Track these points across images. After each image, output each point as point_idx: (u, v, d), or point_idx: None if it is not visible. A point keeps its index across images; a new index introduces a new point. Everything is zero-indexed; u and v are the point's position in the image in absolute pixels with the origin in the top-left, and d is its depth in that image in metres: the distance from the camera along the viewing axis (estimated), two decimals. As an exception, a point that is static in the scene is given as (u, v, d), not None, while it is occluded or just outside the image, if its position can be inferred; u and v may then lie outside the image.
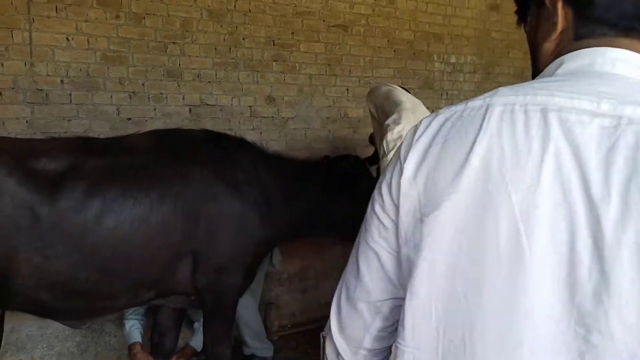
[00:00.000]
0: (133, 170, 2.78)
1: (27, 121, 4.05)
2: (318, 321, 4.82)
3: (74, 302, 2.74)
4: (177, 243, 2.85)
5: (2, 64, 3.95)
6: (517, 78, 6.54)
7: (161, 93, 4.57)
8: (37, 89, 4.10)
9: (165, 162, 2.90)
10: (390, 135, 2.84)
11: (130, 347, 3.50)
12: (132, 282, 2.81)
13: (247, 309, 3.97)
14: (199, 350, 3.79)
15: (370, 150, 5.66)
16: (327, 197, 3.45)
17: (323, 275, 4.96)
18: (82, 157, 2.71)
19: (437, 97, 6.33)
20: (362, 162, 3.72)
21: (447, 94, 6.35)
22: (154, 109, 4.53)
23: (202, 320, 3.38)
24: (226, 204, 3.00)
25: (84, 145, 2.79)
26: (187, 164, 2.94)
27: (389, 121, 2.89)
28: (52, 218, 2.54)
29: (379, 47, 5.56)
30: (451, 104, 0.97)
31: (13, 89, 4.01)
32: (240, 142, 3.32)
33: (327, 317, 1.17)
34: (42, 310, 2.79)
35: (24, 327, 3.53)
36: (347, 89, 5.51)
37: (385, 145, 2.89)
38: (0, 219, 2.46)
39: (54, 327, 3.60)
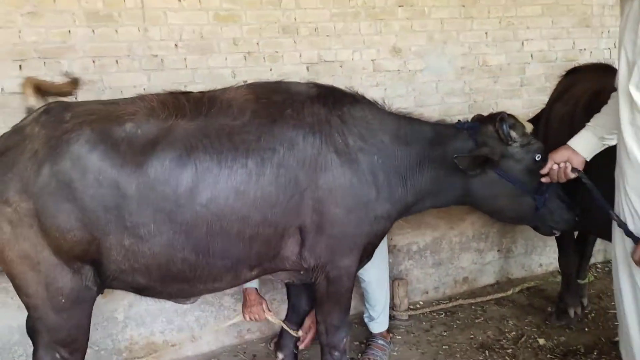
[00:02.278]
0: (227, 135, 2.44)
1: (144, 89, 3.96)
2: (455, 299, 4.31)
3: (173, 285, 2.51)
4: (280, 219, 2.51)
5: (116, 31, 3.88)
6: None
7: (276, 52, 4.29)
8: (152, 54, 4.01)
9: (264, 124, 2.52)
10: None
11: (244, 293, 3.26)
12: (232, 262, 2.53)
13: (375, 274, 3.53)
14: None
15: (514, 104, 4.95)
16: (457, 172, 2.77)
17: (459, 248, 4.41)
18: (170, 119, 2.41)
19: (597, 36, 5.36)
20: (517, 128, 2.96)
21: (608, 31, 5.34)
22: (270, 69, 4.28)
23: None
24: (336, 174, 2.56)
25: (173, 105, 2.46)
26: (289, 127, 2.54)
27: None
28: (141, 194, 2.30)
29: (524, -21, 4.75)
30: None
31: (128, 56, 3.94)
32: (354, 99, 2.80)
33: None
34: (142, 292, 2.59)
35: (143, 301, 3.47)
36: (486, 33, 4.85)
37: None
38: (84, 200, 2.26)
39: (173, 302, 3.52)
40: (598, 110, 2.68)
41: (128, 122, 2.37)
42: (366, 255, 2.84)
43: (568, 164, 2.67)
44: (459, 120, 2.94)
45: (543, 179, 2.76)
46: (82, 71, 3.79)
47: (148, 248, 2.35)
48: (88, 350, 3.28)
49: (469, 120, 2.97)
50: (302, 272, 2.78)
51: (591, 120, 2.68)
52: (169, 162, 2.33)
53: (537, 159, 2.79)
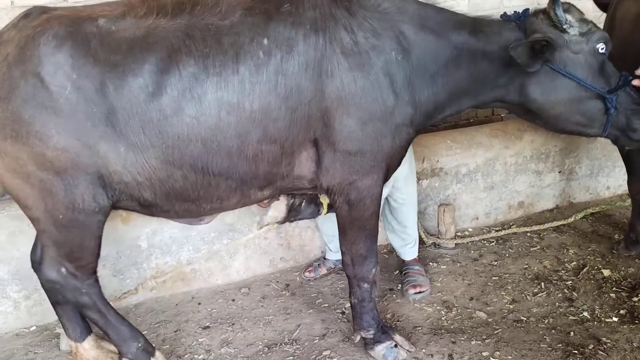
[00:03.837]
0: (214, 36, 2.15)
1: None
2: (509, 226, 3.93)
3: (179, 204, 2.35)
4: (285, 135, 2.25)
5: None
6: None
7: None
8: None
9: (256, 23, 2.19)
10: None
11: None
12: (236, 183, 2.31)
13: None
14: None
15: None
16: (502, 66, 2.39)
17: (515, 170, 3.97)
18: (150, 17, 2.15)
19: None
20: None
21: None
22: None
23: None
24: (344, 79, 2.23)
25: (154, 3, 2.20)
26: (287, 25, 2.21)
27: None
28: (122, 98, 2.10)
29: None
30: None
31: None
32: None
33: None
34: (151, 211, 2.43)
35: (167, 228, 3.30)
36: None
37: None
38: (59, 102, 2.07)
39: (199, 229, 3.32)
40: None
41: (101, 18, 2.13)
42: (391, 172, 2.52)
43: None
44: (504, 13, 2.49)
45: (635, 82, 2.29)
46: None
47: (145, 160, 2.18)
48: (113, 279, 3.22)
49: None
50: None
51: None
52: (149, 66, 2.09)
53: (601, 50, 2.33)
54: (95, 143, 2.12)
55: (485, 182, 3.92)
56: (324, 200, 2.82)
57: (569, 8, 2.38)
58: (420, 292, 3.19)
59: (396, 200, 3.21)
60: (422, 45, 2.35)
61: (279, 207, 2.83)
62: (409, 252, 3.36)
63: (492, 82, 2.46)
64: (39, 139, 2.09)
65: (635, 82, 2.31)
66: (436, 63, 2.38)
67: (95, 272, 2.47)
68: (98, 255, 2.44)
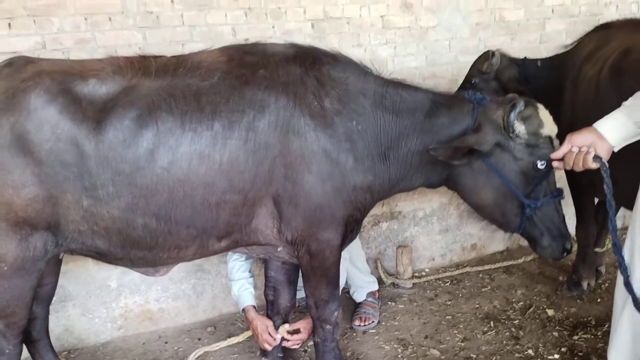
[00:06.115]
0: (194, 95, 2.34)
1: (139, 48, 3.77)
2: (462, 266, 4.17)
3: (135, 252, 2.42)
4: (249, 186, 2.41)
5: (105, -14, 3.68)
6: None
7: (279, 7, 4.03)
8: (147, 11, 3.79)
9: (233, 85, 2.40)
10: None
11: (244, 312, 3.10)
12: (197, 231, 2.43)
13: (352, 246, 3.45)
14: None
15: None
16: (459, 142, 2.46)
17: (468, 214, 4.23)
18: (135, 78, 2.32)
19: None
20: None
21: (638, -17, 4.96)
22: (273, 27, 4.03)
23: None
24: (309, 138, 2.42)
25: (140, 64, 2.38)
26: (261, 88, 2.42)
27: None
28: (99, 154, 2.22)
29: None
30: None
31: (122, 12, 3.73)
32: (335, 59, 2.62)
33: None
34: (103, 258, 2.49)
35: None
36: (504, -15, 4.50)
37: None
38: (41, 154, 2.18)
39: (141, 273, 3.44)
40: (628, 73, 2.36)
41: (92, 78, 2.27)
42: (350, 229, 2.68)
43: (592, 150, 2.19)
44: (470, 91, 2.66)
45: (555, 164, 2.39)
46: (74, 29, 3.63)
47: (107, 211, 2.27)
48: (82, 318, 3.31)
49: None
50: (279, 249, 2.65)
51: (630, 98, 2.18)
52: (129, 121, 2.24)
53: (540, 166, 2.47)
54: (62, 194, 2.22)
55: (441, 225, 4.17)
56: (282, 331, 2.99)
57: (530, 117, 2.46)
58: (365, 325, 3.42)
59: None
60: (378, 121, 2.55)
61: None
62: (359, 295, 3.61)
63: (437, 163, 2.58)
64: (13, 187, 2.17)
65: (554, 164, 2.41)
66: (390, 139, 2.57)
67: (22, 332, 2.44)
68: (30, 310, 2.44)
